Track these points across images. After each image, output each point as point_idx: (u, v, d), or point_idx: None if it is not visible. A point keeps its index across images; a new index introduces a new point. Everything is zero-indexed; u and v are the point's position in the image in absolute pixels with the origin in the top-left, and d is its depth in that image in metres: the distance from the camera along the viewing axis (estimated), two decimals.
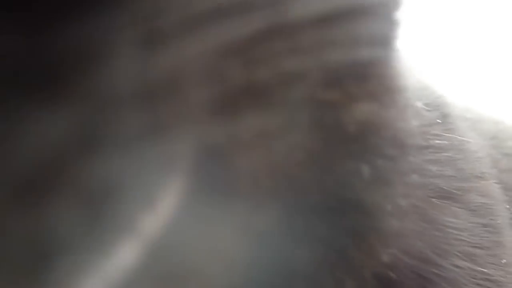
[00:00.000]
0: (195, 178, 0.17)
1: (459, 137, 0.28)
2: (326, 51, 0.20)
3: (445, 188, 0.26)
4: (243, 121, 0.17)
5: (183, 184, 0.17)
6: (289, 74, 0.19)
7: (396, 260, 0.23)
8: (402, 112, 0.23)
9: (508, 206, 0.32)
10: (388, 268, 0.23)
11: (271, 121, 0.18)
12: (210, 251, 0.19)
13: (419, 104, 0.26)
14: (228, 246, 0.20)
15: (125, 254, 0.15)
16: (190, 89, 0.16)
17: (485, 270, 0.26)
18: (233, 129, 0.17)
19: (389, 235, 0.23)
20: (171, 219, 0.17)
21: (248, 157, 0.18)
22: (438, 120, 0.28)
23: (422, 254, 0.24)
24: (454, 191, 0.26)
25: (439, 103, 0.29)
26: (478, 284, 0.25)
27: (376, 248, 0.22)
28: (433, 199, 0.25)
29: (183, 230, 0.18)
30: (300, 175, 0.20)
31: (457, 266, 0.25)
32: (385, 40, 0.23)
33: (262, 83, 0.18)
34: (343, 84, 0.20)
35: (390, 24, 0.23)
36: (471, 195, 0.28)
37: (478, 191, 0.28)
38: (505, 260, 0.27)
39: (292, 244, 0.21)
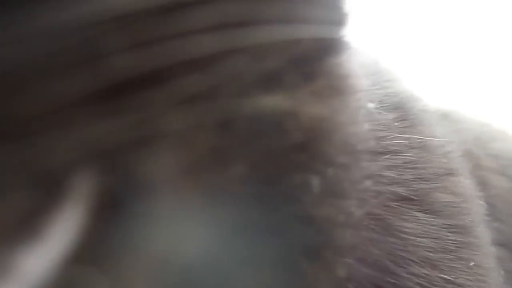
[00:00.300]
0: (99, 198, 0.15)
1: (418, 137, 0.27)
2: (264, 45, 0.17)
3: (403, 193, 0.25)
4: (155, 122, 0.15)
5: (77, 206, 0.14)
6: (211, 67, 0.16)
7: (353, 271, 0.22)
8: (353, 116, 0.21)
9: (482, 202, 0.31)
10: (345, 280, 0.21)
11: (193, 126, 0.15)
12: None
13: (371, 105, 0.25)
14: (154, 272, 0.17)
15: None
16: (53, 75, 0.12)
17: (445, 276, 0.24)
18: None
19: (344, 247, 0.21)
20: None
21: (170, 168, 0.16)
22: (395, 123, 0.26)
23: (378, 262, 0.23)
24: (413, 195, 0.25)
25: (396, 102, 0.28)
26: None
27: (331, 262, 0.21)
28: (390, 206, 0.24)
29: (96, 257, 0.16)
30: (240, 190, 0.18)
31: (414, 274, 0.24)
32: (333, 34, 0.21)
33: (169, 74, 0.15)
34: (286, 85, 0.18)
35: (338, 15, 0.21)
36: (434, 195, 0.26)
37: (443, 190, 0.27)
38: (473, 263, 0.26)
39: (236, 266, 0.19)
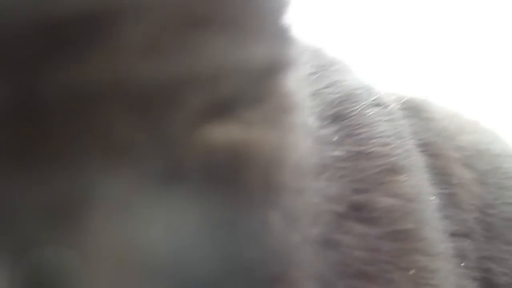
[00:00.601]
0: None
1: (355, 149, 0.26)
2: (211, 70, 0.16)
3: (341, 209, 0.24)
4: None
5: None
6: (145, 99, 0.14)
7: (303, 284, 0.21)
8: (299, 134, 0.20)
9: (432, 198, 0.31)
10: None
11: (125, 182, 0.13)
12: None
13: (312, 120, 0.24)
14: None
15: None
16: None
17: None
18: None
19: (307, 265, 0.21)
20: None
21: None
22: (333, 136, 0.26)
23: (322, 276, 0.23)
24: (352, 208, 0.25)
25: (334, 113, 0.27)
26: None
27: (299, 281, 0.21)
28: (330, 219, 0.24)
29: None
30: (196, 237, 0.16)
31: (353, 287, 0.24)
32: (277, 52, 0.19)
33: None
34: (237, 111, 0.17)
35: (279, 33, 0.19)
36: (373, 203, 0.26)
37: (384, 193, 0.27)
38: (413, 270, 0.26)
39: None
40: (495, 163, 0.40)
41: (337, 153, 0.25)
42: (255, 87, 0.18)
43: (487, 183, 0.38)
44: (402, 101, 0.38)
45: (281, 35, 0.19)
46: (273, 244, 0.18)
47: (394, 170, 0.28)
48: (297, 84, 0.21)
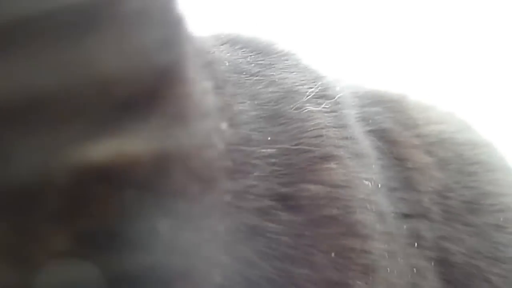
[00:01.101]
0: None
1: (286, 145, 0.28)
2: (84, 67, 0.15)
3: (268, 202, 0.26)
4: None
5: None
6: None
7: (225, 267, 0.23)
8: (206, 139, 0.21)
9: (367, 182, 0.31)
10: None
11: None
12: None
13: (224, 125, 0.24)
14: None
15: None
16: None
17: (305, 271, 0.26)
18: None
19: (209, 258, 0.22)
20: None
21: None
22: (267, 136, 0.27)
23: (247, 258, 0.25)
24: (278, 199, 0.26)
25: (271, 111, 0.28)
26: (295, 285, 0.26)
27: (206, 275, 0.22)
28: (256, 210, 0.25)
29: None
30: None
31: (277, 268, 0.25)
32: (171, 48, 0.18)
33: None
34: (120, 125, 0.16)
35: (174, 26, 0.18)
36: (299, 192, 0.27)
37: (311, 182, 0.28)
38: (334, 253, 0.27)
39: None
40: (458, 151, 0.41)
41: (268, 151, 0.27)
42: (149, 96, 0.17)
43: (448, 168, 0.39)
44: (363, 92, 0.40)
45: (175, 38, 0.18)
46: (164, 248, 0.19)
47: (324, 158, 0.29)
48: (203, 88, 0.22)
